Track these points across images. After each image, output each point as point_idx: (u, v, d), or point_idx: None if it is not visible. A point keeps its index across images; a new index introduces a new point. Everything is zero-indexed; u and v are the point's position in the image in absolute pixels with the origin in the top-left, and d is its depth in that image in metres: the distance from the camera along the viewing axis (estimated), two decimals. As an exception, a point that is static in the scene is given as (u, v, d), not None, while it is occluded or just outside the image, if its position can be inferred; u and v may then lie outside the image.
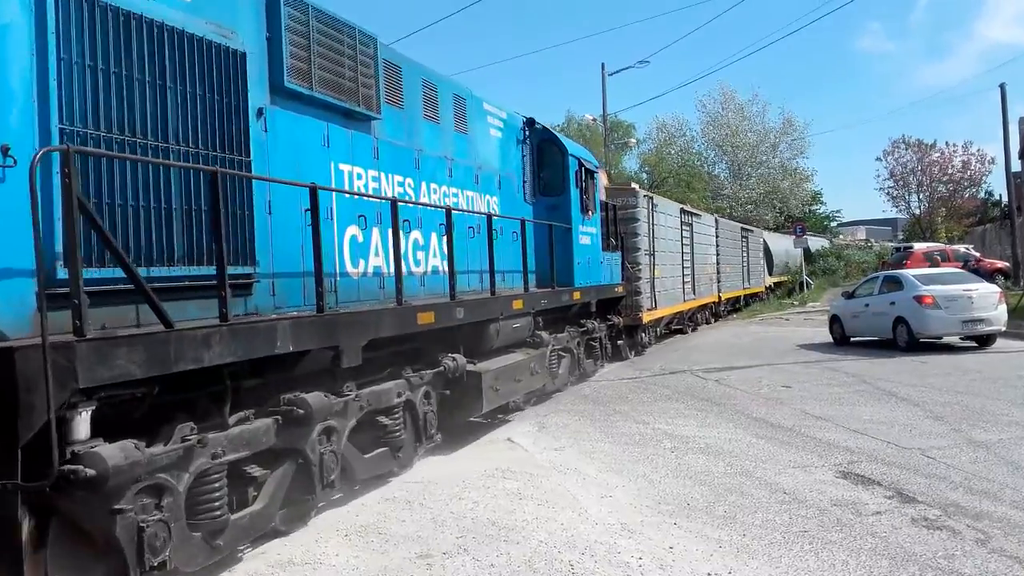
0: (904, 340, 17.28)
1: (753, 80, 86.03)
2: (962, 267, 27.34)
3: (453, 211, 9.03)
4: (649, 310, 18.87)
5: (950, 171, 57.36)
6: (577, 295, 13.25)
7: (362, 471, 7.25)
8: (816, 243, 46.56)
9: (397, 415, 7.80)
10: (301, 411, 6.03)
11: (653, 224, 19.84)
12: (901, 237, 62.89)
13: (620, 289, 16.36)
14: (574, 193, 13.43)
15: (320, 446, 6.41)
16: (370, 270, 7.98)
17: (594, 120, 42.48)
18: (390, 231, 7.89)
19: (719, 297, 28.96)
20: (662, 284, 20.30)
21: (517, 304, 10.60)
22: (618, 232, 16.83)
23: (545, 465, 8.35)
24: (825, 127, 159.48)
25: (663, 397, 12.63)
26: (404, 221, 8.19)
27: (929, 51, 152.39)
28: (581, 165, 13.77)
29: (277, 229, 6.55)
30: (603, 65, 35.09)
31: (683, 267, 23.16)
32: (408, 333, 7.85)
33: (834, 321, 20.28)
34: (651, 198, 20.27)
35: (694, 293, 24.58)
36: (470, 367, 9.26)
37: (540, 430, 10.30)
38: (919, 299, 17.03)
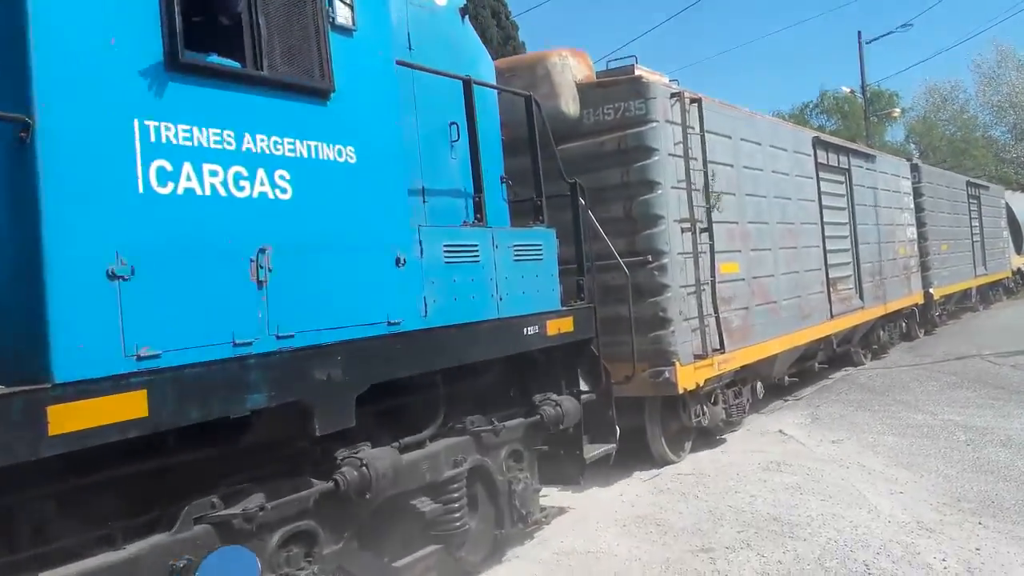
0: None
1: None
2: None
3: None
4: (702, 357, 8.14)
5: None
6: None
7: None
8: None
9: None
10: None
11: (706, 161, 8.61)
12: None
13: (560, 325, 5.94)
14: None
15: None
16: None
17: (851, 92, 39.71)
18: None
19: (925, 296, 17.28)
20: (749, 291, 9.37)
21: None
22: (554, 169, 6.45)
23: (824, 458, 7.98)
24: None
25: (949, 385, 11.61)
26: None
27: None
28: None
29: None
30: (859, 33, 32.64)
31: (823, 251, 11.81)
32: None
33: None
34: (696, 102, 8.56)
35: (861, 300, 13.17)
36: None
37: (813, 421, 9.84)
38: None
